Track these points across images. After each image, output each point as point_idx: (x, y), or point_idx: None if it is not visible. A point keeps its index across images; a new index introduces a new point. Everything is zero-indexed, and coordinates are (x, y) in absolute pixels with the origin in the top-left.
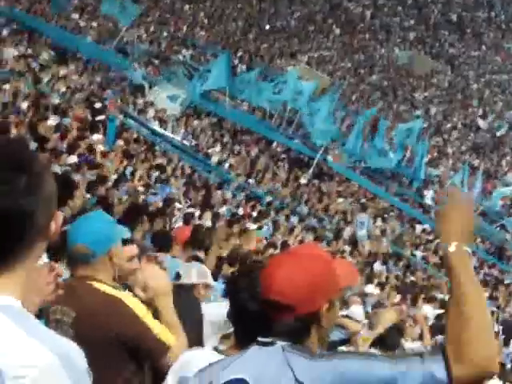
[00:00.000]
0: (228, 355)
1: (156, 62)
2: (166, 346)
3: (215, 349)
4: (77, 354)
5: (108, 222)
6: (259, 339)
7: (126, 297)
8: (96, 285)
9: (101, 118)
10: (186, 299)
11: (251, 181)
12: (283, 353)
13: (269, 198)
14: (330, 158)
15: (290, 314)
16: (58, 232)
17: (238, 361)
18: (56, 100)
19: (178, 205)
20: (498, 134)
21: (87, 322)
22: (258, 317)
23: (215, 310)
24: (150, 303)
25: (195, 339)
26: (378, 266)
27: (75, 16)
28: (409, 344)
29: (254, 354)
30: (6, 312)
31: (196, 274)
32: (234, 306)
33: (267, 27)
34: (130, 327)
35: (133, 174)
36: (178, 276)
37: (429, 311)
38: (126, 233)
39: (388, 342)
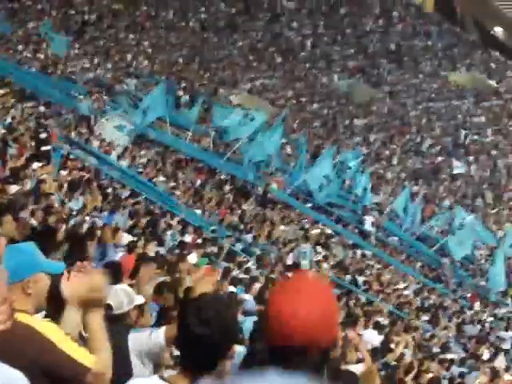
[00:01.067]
0: (174, 383)
1: (101, 91)
2: (85, 368)
3: (161, 377)
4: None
5: (24, 254)
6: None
7: (39, 323)
8: None
9: (46, 148)
10: (114, 331)
11: (198, 211)
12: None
13: (214, 227)
14: (273, 185)
15: (313, 350)
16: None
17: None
18: (1, 130)
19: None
20: None
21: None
22: (207, 342)
23: (138, 339)
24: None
25: (123, 371)
26: None
27: (20, 47)
28: (351, 367)
29: (278, 378)
30: None
31: (126, 301)
32: (182, 332)
33: (210, 57)
34: (43, 354)
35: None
36: (109, 308)
37: (373, 336)
38: (55, 267)
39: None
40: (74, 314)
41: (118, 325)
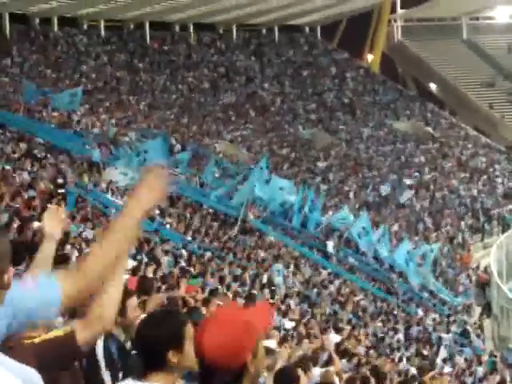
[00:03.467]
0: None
1: (107, 143)
2: (67, 336)
3: (134, 377)
4: (37, 379)
5: None
6: None
7: None
8: None
9: (62, 191)
10: None
11: (188, 238)
12: None
13: (202, 252)
14: (251, 215)
15: (223, 372)
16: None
17: None
18: (26, 177)
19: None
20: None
21: None
22: (158, 350)
23: None
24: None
25: None
26: (293, 304)
27: (39, 108)
28: (317, 370)
29: None
30: None
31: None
32: (138, 340)
33: (197, 113)
34: (32, 354)
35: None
36: None
37: (334, 337)
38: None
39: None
40: (51, 247)
41: None
